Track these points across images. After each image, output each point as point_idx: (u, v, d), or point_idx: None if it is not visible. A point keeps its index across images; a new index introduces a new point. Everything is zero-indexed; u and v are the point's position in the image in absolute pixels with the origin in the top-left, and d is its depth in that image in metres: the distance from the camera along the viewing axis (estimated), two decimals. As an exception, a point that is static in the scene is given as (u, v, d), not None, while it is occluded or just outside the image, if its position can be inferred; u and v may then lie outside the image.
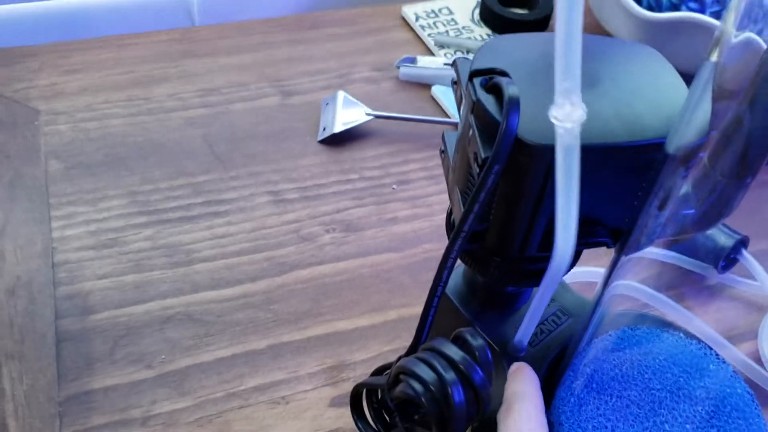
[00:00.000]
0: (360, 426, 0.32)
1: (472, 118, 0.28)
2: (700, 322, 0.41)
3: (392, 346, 0.39)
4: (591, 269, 0.45)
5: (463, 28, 0.59)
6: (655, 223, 0.28)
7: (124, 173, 0.47)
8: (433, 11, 0.61)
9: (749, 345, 0.41)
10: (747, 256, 0.41)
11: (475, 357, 0.27)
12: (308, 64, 0.56)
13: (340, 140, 0.50)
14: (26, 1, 0.58)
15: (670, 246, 0.44)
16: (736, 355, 0.39)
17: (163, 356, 0.38)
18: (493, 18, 0.58)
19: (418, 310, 0.33)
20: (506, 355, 0.34)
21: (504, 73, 0.28)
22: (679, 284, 0.43)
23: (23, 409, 0.35)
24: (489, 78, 0.28)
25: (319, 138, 0.50)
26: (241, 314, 0.40)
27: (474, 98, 0.28)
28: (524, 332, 0.33)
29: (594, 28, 0.61)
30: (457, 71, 0.30)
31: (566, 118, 0.21)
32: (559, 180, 0.23)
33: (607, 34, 0.59)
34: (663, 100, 0.28)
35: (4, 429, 0.35)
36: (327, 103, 0.52)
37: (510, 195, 0.28)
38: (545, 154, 0.26)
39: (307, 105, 0.53)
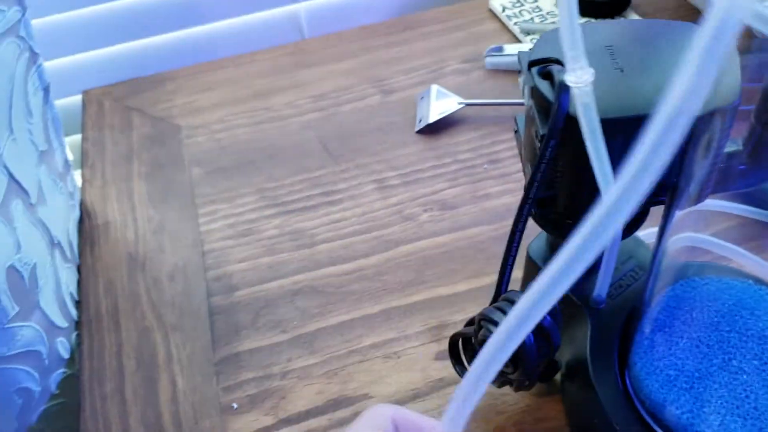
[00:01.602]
0: (458, 370, 0.38)
1: (532, 102, 0.33)
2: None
3: (489, 307, 0.45)
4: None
5: (548, 13, 0.63)
6: (703, 178, 0.32)
7: (253, 174, 0.55)
8: (518, 0, 0.65)
9: (832, 291, 0.43)
10: (822, 205, 0.43)
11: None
12: (404, 63, 0.62)
13: (435, 129, 0.56)
14: (161, 33, 0.68)
15: (746, 200, 0.47)
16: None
17: (296, 322, 0.45)
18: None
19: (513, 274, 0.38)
20: (587, 307, 0.39)
21: (558, 62, 0.33)
22: (759, 237, 0.45)
23: (187, 370, 0.44)
24: (544, 66, 0.33)
25: (417, 129, 0.56)
26: (357, 285, 0.47)
27: (532, 84, 0.33)
28: (600, 287, 0.38)
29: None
30: (520, 63, 0.35)
31: (578, 80, 0.25)
32: (585, 132, 0.28)
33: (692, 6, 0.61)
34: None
35: (174, 385, 0.43)
36: (422, 97, 0.58)
37: (570, 164, 0.33)
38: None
39: (405, 100, 0.59)
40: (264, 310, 0.46)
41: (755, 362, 0.35)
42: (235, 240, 0.51)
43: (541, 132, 0.32)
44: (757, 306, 0.37)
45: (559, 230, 0.37)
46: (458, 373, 0.38)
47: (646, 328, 0.37)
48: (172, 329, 0.46)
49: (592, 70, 0.26)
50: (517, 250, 0.35)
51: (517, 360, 0.33)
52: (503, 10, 0.64)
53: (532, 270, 0.42)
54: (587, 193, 0.34)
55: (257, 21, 0.69)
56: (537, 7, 0.64)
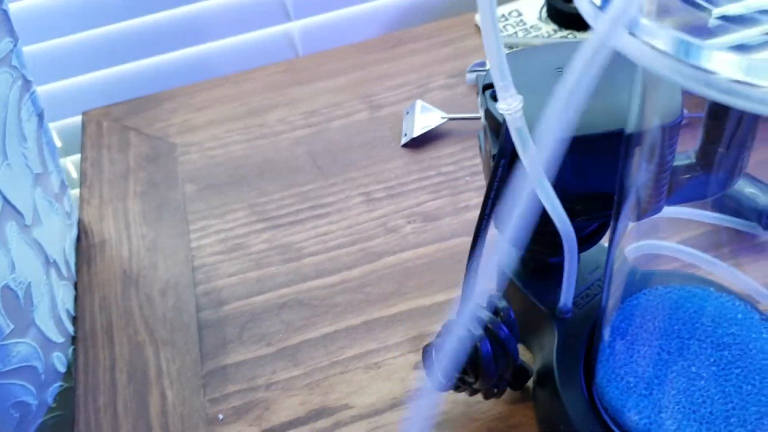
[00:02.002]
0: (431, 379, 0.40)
1: (486, 122, 0.35)
2: (743, 275, 0.44)
3: (467, 317, 0.46)
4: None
5: (531, 27, 0.64)
6: (651, 192, 0.33)
7: (245, 189, 0.57)
8: (503, 15, 0.66)
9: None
10: (789, 212, 0.44)
11: (501, 317, 0.33)
12: (392, 79, 0.64)
13: (420, 143, 0.57)
14: (160, 53, 0.70)
15: (716, 208, 0.48)
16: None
17: (280, 335, 0.47)
18: (558, 14, 0.63)
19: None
20: (554, 317, 0.40)
21: (510, 83, 0.34)
22: (727, 243, 0.46)
23: (176, 383, 0.46)
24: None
25: (402, 143, 0.58)
26: (341, 297, 0.49)
27: (485, 106, 0.34)
28: (565, 296, 0.39)
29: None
30: (478, 85, 0.37)
31: (509, 107, 0.27)
32: (521, 155, 0.29)
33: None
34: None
35: (164, 398, 0.45)
36: (407, 112, 0.59)
37: (524, 181, 0.34)
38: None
39: (392, 115, 0.61)
40: (250, 323, 0.48)
41: (713, 368, 0.36)
42: (225, 255, 0.53)
43: (493, 151, 0.33)
44: (717, 313, 0.38)
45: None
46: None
47: (609, 336, 0.38)
48: (162, 344, 0.48)
49: (521, 97, 0.27)
50: (476, 266, 0.36)
51: (477, 370, 0.34)
52: (489, 24, 0.66)
53: (504, 281, 0.43)
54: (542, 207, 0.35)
55: (253, 40, 0.71)
56: (521, 21, 0.65)
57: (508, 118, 0.28)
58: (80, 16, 0.66)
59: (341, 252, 0.51)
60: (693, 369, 0.36)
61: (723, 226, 0.47)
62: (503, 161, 0.33)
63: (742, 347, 0.36)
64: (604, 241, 0.40)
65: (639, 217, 0.34)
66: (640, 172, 0.31)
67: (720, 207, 0.47)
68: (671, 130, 0.31)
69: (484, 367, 0.33)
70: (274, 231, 0.54)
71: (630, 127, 0.30)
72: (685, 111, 0.41)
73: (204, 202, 0.57)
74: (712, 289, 0.39)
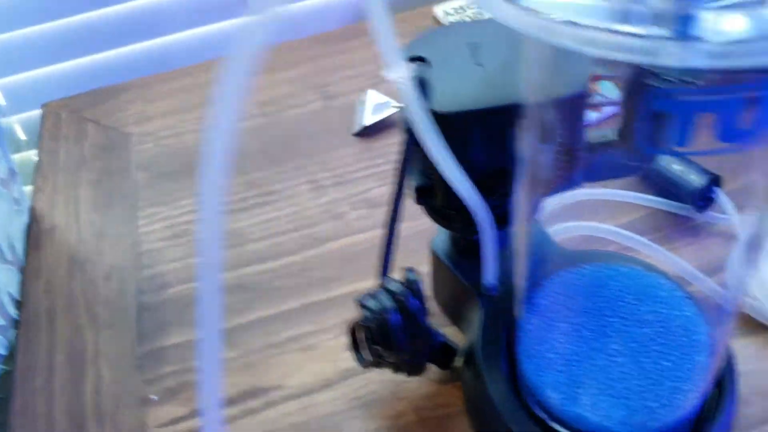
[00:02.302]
0: (356, 356, 0.40)
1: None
2: (676, 258, 0.44)
3: (404, 300, 0.46)
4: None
5: (489, 19, 0.65)
6: (555, 167, 0.33)
7: (195, 178, 0.57)
8: (461, 7, 0.67)
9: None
10: (719, 193, 0.44)
11: (411, 289, 0.33)
12: (348, 70, 0.64)
13: (372, 132, 0.58)
14: (122, 45, 0.70)
15: (652, 191, 0.48)
16: (709, 284, 0.42)
17: (219, 318, 0.47)
18: (513, 6, 0.64)
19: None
20: (480, 294, 0.40)
21: (423, 60, 0.35)
22: (664, 227, 0.46)
23: (114, 364, 0.46)
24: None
25: (354, 132, 0.58)
26: (282, 281, 0.49)
27: (400, 81, 0.34)
28: (487, 273, 0.39)
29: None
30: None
31: (400, 75, 0.27)
32: (416, 123, 0.29)
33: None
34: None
35: (100, 378, 0.45)
36: (360, 102, 0.60)
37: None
38: (455, 120, 0.32)
39: (346, 106, 0.61)
40: (190, 306, 0.48)
41: (633, 345, 0.36)
42: (172, 240, 0.53)
43: (405, 126, 0.33)
44: (642, 291, 0.38)
45: (446, 221, 0.39)
46: (357, 360, 0.40)
47: (528, 314, 0.38)
48: (103, 327, 0.48)
49: (412, 66, 0.27)
50: (391, 240, 0.36)
51: (389, 342, 0.34)
52: (446, 17, 0.66)
53: (438, 265, 0.43)
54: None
55: (212, 32, 0.72)
56: (479, 12, 0.66)
57: (401, 87, 0.28)
58: (43, 9, 0.67)
59: (285, 238, 0.52)
60: (613, 346, 0.36)
61: (660, 209, 0.47)
62: (409, 138, 0.33)
63: (663, 324, 0.36)
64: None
65: (547, 194, 0.34)
66: (532, 147, 0.31)
67: (657, 190, 0.47)
68: (574, 103, 0.31)
69: (395, 339, 0.33)
70: (222, 218, 0.54)
71: (525, 99, 0.30)
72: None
73: (154, 189, 0.57)
74: (639, 268, 0.39)
